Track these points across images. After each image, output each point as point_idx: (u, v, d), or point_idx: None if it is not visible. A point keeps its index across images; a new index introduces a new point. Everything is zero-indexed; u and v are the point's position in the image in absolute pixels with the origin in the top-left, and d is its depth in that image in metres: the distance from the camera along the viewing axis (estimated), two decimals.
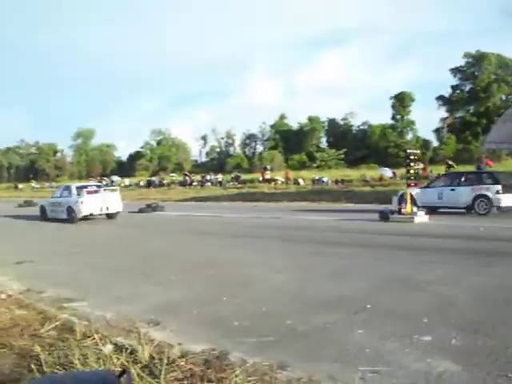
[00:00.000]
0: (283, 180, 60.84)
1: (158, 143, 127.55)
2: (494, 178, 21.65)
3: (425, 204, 22.32)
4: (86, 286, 9.92)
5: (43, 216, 27.71)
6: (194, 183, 67.69)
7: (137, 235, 19.05)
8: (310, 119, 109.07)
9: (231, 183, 65.58)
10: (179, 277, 10.27)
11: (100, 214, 25.62)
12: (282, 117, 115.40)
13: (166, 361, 5.07)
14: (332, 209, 26.87)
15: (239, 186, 60.89)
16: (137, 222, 24.65)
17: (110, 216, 26.07)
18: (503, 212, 20.71)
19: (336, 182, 55.58)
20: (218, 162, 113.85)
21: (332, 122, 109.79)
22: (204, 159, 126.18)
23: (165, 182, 74.32)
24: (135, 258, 13.21)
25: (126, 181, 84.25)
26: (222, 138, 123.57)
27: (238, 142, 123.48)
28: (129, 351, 5.42)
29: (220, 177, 69.35)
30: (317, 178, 59.77)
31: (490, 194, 20.86)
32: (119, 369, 4.84)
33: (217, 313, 7.42)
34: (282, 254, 12.62)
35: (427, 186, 24.20)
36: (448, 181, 23.52)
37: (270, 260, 11.88)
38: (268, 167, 71.16)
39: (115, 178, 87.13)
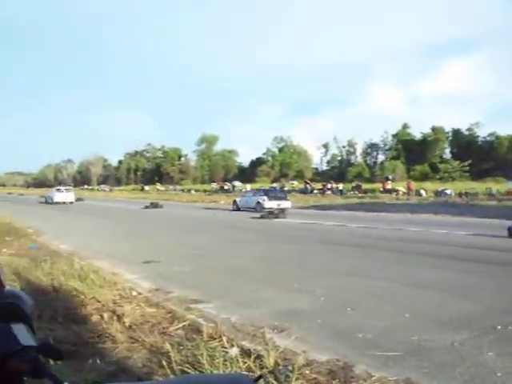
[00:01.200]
0: (405, 191, 59.78)
1: (280, 150, 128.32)
2: (266, 192, 40.74)
3: (242, 206, 39.77)
4: (211, 288, 10.21)
5: (46, 201, 54.88)
6: (315, 191, 67.69)
7: (259, 241, 19.26)
8: (434, 129, 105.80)
9: (352, 192, 65.12)
10: (302, 285, 10.32)
11: (64, 202, 52.60)
12: (405, 126, 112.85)
13: (291, 368, 5.14)
14: (456, 222, 26.05)
15: (360, 195, 60.40)
16: (258, 228, 24.92)
17: (70, 203, 53.08)
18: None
19: (460, 194, 53.93)
20: (339, 171, 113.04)
21: (456, 132, 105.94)
22: (325, 167, 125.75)
23: (285, 188, 74.78)
24: (258, 263, 13.44)
25: (248, 186, 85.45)
26: (344, 147, 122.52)
27: (359, 150, 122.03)
28: (255, 356, 5.52)
29: (341, 186, 68.96)
30: (440, 189, 58.29)
31: (261, 201, 37.75)
32: (245, 372, 4.96)
33: (340, 323, 7.42)
34: (405, 268, 12.38)
35: (244, 196, 42.98)
36: (251, 193, 42.74)
37: (394, 273, 11.66)
38: (390, 177, 70.12)
39: (237, 184, 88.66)
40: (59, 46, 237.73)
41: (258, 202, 37.66)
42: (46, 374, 1.35)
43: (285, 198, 39.59)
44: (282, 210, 32.84)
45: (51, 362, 1.97)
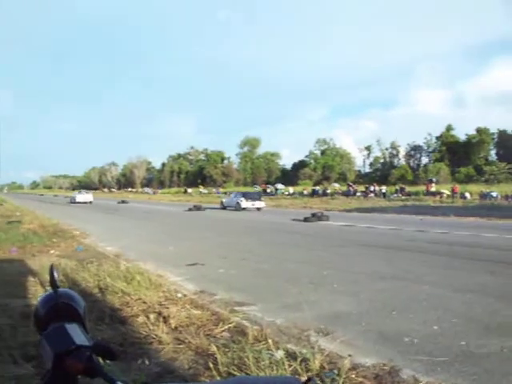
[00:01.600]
0: (449, 193, 59.02)
1: (322, 153, 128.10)
2: (244, 194, 47.27)
3: (226, 206, 48.13)
4: (256, 290, 10.22)
5: (71, 201, 67.57)
6: (358, 194, 67.32)
7: (303, 243, 19.11)
8: (479, 131, 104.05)
9: (395, 195, 64.59)
10: (347, 288, 10.27)
11: (84, 202, 64.59)
12: (449, 128, 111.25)
13: (337, 371, 5.12)
14: (503, 226, 25.54)
15: (403, 198, 59.88)
16: (301, 230, 24.78)
17: (89, 203, 64.21)
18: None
19: (506, 197, 52.92)
20: (382, 173, 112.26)
21: (502, 133, 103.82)
22: (367, 170, 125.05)
23: (328, 191, 74.51)
24: (302, 266, 13.38)
25: (290, 189, 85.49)
26: (387, 149, 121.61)
27: (402, 153, 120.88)
28: (300, 359, 5.50)
29: (384, 188, 68.35)
30: (485, 192, 57.31)
31: (239, 201, 44.92)
32: (289, 375, 4.94)
33: (386, 327, 7.35)
34: (450, 272, 12.16)
35: (228, 197, 52.54)
36: (233, 195, 49.41)
37: (439, 277, 11.45)
38: (433, 180, 69.34)
39: (279, 186, 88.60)
40: (106, 59, 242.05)
41: (238, 202, 45.31)
42: (100, 372, 1.38)
43: (259, 199, 46.73)
44: (317, 216, 31.73)
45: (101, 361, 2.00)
